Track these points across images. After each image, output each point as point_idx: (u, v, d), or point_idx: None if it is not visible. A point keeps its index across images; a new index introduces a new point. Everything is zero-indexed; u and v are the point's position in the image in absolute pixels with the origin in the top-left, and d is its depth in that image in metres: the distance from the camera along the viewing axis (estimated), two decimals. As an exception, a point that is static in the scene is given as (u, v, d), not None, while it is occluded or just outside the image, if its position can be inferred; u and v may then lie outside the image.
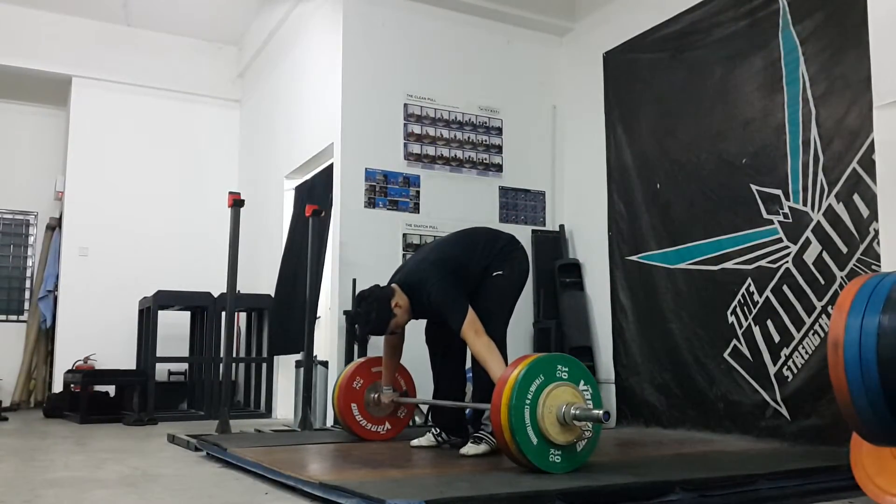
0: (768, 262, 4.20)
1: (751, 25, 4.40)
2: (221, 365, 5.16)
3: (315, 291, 5.37)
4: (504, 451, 2.88)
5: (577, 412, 2.80)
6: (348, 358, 4.92)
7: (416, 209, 5.42)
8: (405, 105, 5.48)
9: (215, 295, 6.35)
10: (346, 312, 4.99)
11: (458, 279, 3.50)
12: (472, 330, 3.32)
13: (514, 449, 2.78)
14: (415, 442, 3.69)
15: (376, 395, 3.98)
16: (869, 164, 3.61)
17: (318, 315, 5.57)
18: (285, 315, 5.99)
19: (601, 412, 2.79)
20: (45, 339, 7.45)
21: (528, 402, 2.79)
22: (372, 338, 4.88)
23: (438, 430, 3.70)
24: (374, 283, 3.73)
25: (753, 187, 4.30)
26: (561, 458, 2.83)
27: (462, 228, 4.02)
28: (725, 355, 4.39)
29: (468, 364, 3.79)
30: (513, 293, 3.67)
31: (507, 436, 2.78)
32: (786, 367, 4.06)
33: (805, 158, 4.03)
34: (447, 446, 3.64)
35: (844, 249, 3.80)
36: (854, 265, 3.75)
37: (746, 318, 4.29)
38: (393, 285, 3.62)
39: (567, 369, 2.92)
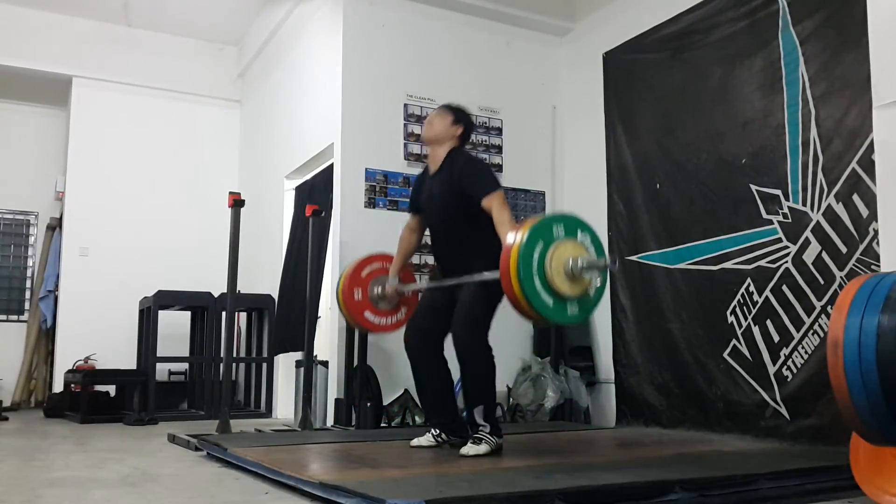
0: (768, 262, 4.20)
1: (751, 26, 4.40)
2: (222, 365, 5.16)
3: (316, 291, 5.37)
4: (525, 316, 2.99)
5: (584, 264, 2.93)
6: (348, 358, 4.93)
7: (417, 209, 5.41)
8: (405, 105, 5.49)
9: (215, 295, 6.35)
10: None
11: None
12: (500, 200, 3.40)
13: (535, 315, 2.92)
14: (414, 442, 3.69)
15: (380, 289, 4.03)
16: (868, 165, 3.61)
17: (318, 315, 5.58)
18: (287, 314, 6.00)
19: (606, 259, 2.96)
20: (45, 338, 7.45)
21: (535, 269, 2.89)
22: (366, 334, 4.91)
23: (438, 431, 3.70)
24: None
25: (753, 187, 4.30)
26: (578, 308, 2.98)
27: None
28: (725, 355, 4.39)
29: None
30: (496, 301, 3.53)
31: (525, 306, 2.90)
32: (785, 366, 4.07)
33: (805, 158, 4.04)
34: (447, 446, 3.65)
35: (844, 249, 3.81)
36: (853, 265, 3.75)
37: (746, 318, 4.29)
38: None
39: (562, 226, 3.01)
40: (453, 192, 3.58)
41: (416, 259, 5.33)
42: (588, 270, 2.94)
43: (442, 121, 3.76)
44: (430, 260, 5.35)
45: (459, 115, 3.80)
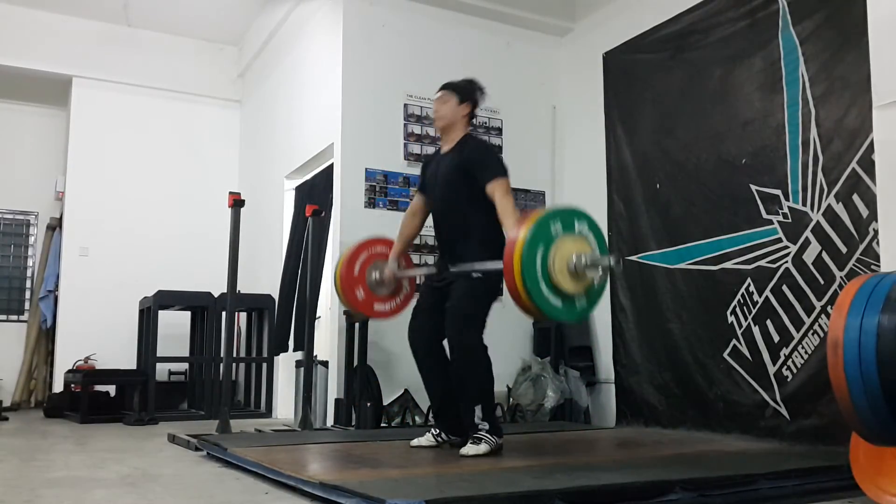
0: (768, 262, 4.20)
1: (750, 26, 4.40)
2: (222, 365, 5.16)
3: (315, 291, 5.37)
4: (512, 293, 2.93)
5: (587, 262, 2.91)
6: (348, 358, 4.93)
7: (417, 209, 5.42)
8: (405, 105, 5.49)
9: (215, 295, 6.35)
10: (345, 312, 5.00)
11: None
12: (503, 188, 3.38)
13: (544, 316, 2.91)
14: (414, 442, 3.69)
15: (378, 274, 3.99)
16: (868, 165, 3.61)
17: (317, 315, 5.58)
18: (287, 315, 6.00)
19: (609, 258, 2.95)
20: (45, 338, 7.46)
21: (539, 276, 2.85)
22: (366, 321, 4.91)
23: (438, 430, 3.70)
24: None
25: (753, 187, 4.30)
26: (585, 302, 2.96)
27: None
28: (725, 355, 4.39)
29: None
30: (489, 299, 3.57)
31: (537, 313, 2.90)
32: (785, 366, 4.07)
33: (805, 158, 4.04)
34: (447, 446, 3.65)
35: (844, 249, 3.81)
36: (853, 265, 3.75)
37: (746, 318, 4.29)
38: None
39: (560, 221, 2.98)
40: (460, 171, 3.59)
41: (414, 259, 5.33)
42: (591, 268, 2.92)
43: (447, 106, 3.71)
44: (430, 260, 5.36)
45: (463, 92, 3.74)
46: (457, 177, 3.60)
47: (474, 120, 3.86)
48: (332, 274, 5.20)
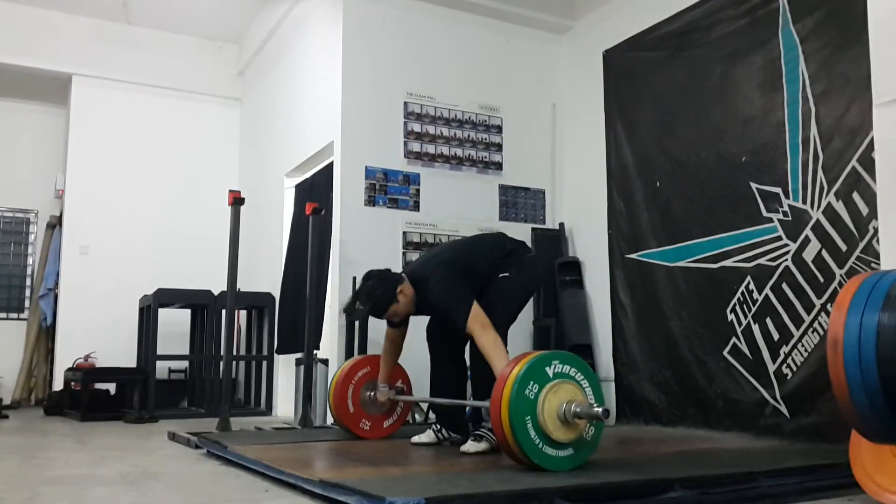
0: (768, 260, 4.20)
1: (751, 24, 4.40)
2: (222, 363, 5.16)
3: (320, 289, 5.35)
4: (505, 450, 2.86)
5: (578, 410, 2.80)
6: (348, 356, 4.92)
7: (416, 207, 5.42)
8: (405, 103, 5.48)
9: (215, 293, 6.35)
10: (345, 310, 5.00)
11: (464, 278, 3.49)
12: (479, 323, 3.29)
13: (517, 449, 2.77)
14: (415, 439, 3.70)
15: (372, 393, 3.99)
16: (868, 163, 3.61)
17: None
18: (291, 313, 5.99)
19: (601, 410, 2.79)
20: (45, 337, 7.46)
21: (528, 401, 2.77)
22: (370, 338, 4.91)
23: (439, 427, 3.70)
24: (386, 268, 3.74)
25: (753, 185, 4.30)
26: (563, 456, 2.84)
27: (475, 234, 4.16)
28: (725, 353, 4.39)
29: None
30: (517, 295, 3.62)
31: (511, 440, 2.76)
32: (785, 364, 4.07)
33: (805, 156, 4.04)
34: (447, 443, 3.65)
35: (844, 247, 3.81)
36: (853, 263, 3.75)
37: (746, 316, 4.29)
38: (402, 274, 3.67)
39: (565, 366, 2.92)
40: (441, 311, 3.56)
41: (413, 255, 5.33)
42: (581, 418, 2.81)
43: (399, 300, 3.55)
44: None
45: (377, 305, 3.58)
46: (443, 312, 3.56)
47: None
48: (334, 284, 5.22)
